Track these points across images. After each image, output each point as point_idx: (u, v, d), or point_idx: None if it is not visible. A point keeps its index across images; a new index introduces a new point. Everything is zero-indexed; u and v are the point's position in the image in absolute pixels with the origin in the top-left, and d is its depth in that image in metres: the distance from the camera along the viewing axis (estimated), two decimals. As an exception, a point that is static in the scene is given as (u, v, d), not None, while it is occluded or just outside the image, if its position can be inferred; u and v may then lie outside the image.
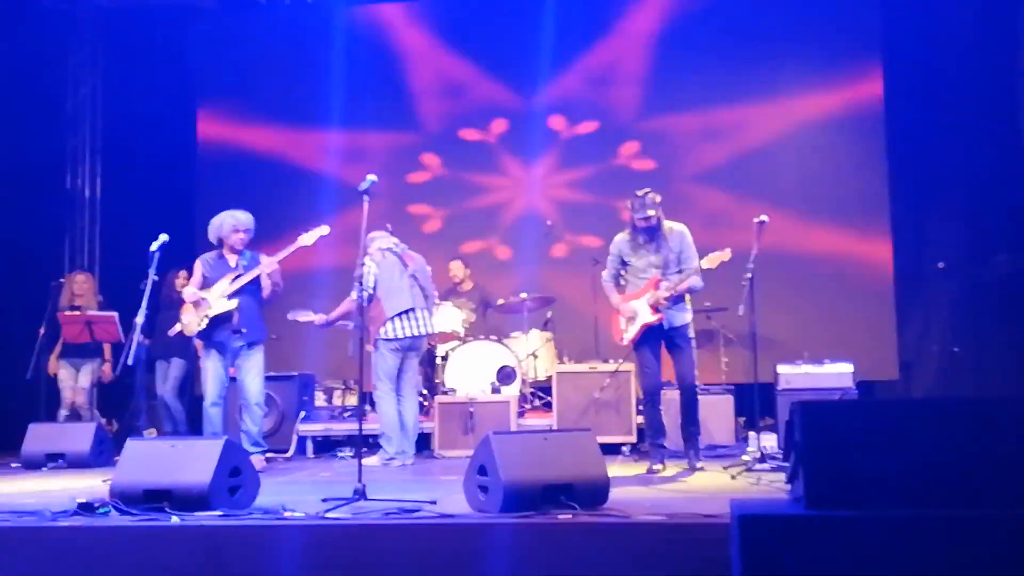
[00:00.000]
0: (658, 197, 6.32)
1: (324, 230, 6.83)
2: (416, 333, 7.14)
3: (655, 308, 6.31)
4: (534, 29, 9.87)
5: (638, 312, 6.38)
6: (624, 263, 6.53)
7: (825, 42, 9.81)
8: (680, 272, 6.32)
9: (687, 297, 6.45)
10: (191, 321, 6.92)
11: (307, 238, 6.80)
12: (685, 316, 6.43)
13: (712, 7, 10.08)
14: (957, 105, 9.03)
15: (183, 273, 8.67)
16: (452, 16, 10.71)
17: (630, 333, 6.42)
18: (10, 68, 9.44)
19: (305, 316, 7.46)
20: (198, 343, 7.25)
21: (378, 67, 10.65)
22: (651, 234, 6.36)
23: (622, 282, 6.58)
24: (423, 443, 7.79)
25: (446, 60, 10.59)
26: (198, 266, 7.05)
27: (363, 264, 5.92)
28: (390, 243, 7.26)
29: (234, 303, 6.78)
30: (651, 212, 6.28)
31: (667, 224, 6.40)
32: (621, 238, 6.54)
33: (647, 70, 10.21)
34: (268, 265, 6.75)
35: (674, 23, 10.17)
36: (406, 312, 7.07)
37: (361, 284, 5.85)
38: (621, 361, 7.61)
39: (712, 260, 6.23)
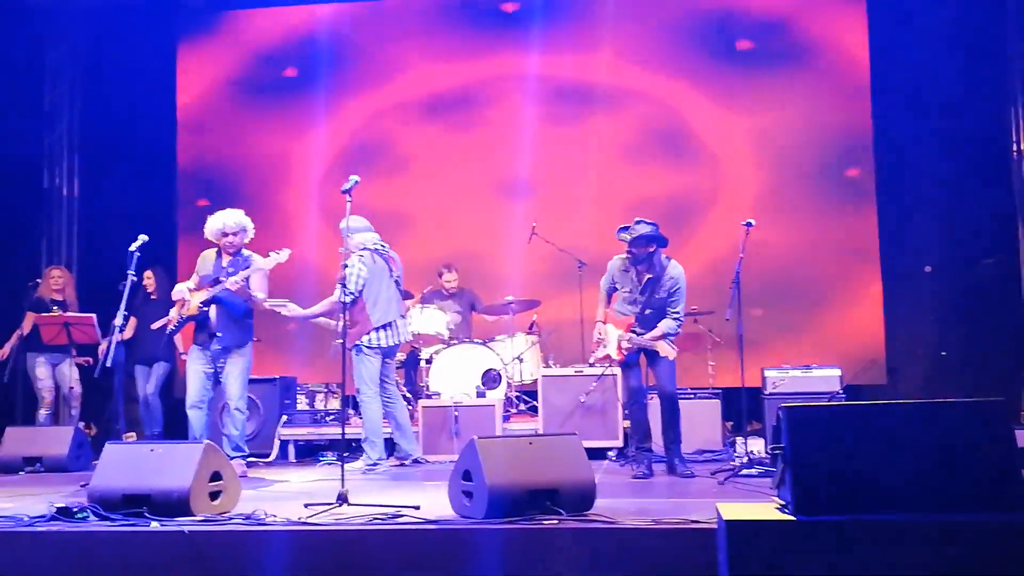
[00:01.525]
0: (650, 247, 6.28)
1: (284, 255, 6.66)
2: (396, 342, 7.20)
3: (620, 350, 6.36)
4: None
5: (607, 342, 6.44)
6: (615, 284, 6.56)
7: (814, 52, 9.81)
8: (663, 316, 6.31)
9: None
10: (174, 317, 6.92)
11: (267, 262, 6.66)
12: (660, 345, 6.33)
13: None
14: (944, 108, 9.07)
15: (148, 273, 8.61)
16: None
17: (597, 354, 6.56)
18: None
19: (281, 306, 7.29)
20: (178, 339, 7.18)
21: (365, 66, 10.62)
22: (637, 265, 6.34)
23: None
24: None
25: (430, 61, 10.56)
26: (198, 261, 6.99)
27: (346, 265, 5.83)
28: (374, 242, 7.14)
29: (206, 308, 6.70)
30: (634, 248, 6.29)
31: (666, 262, 6.37)
32: (617, 260, 6.54)
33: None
34: (232, 284, 6.63)
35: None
36: (390, 323, 7.07)
37: (344, 285, 5.77)
38: (608, 365, 7.57)
39: (663, 349, 6.20)
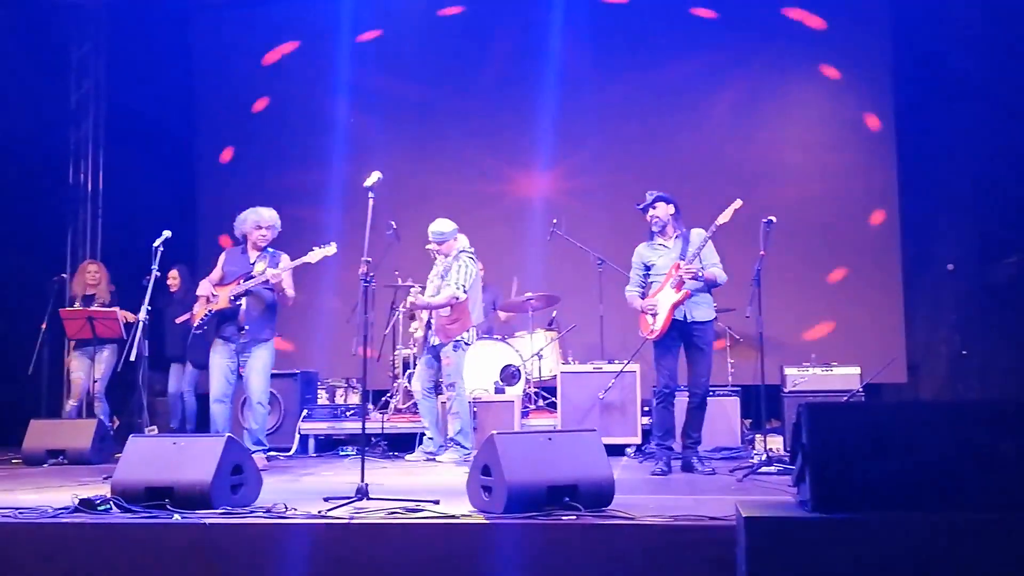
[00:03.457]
0: (670, 208, 6.42)
1: (331, 250, 6.81)
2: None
3: (679, 286, 6.27)
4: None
5: (661, 301, 6.33)
6: (647, 268, 6.51)
7: (835, 44, 9.77)
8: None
9: (711, 297, 6.44)
10: (199, 312, 6.98)
11: (312, 256, 6.81)
12: (708, 312, 6.39)
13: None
14: (967, 105, 9.00)
15: (173, 272, 8.67)
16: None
17: (658, 324, 6.32)
18: (14, 61, 9.42)
19: (415, 294, 7.52)
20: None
21: (382, 64, 10.64)
22: (662, 228, 6.43)
23: (648, 285, 6.53)
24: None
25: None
26: (221, 258, 7.10)
27: (367, 261, 5.82)
28: (470, 247, 7.44)
29: (238, 302, 6.78)
30: (651, 212, 6.43)
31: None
32: (641, 246, 6.58)
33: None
34: (274, 276, 6.71)
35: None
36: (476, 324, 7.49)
37: (367, 282, 5.79)
38: (626, 361, 7.57)
39: (726, 214, 6.22)
